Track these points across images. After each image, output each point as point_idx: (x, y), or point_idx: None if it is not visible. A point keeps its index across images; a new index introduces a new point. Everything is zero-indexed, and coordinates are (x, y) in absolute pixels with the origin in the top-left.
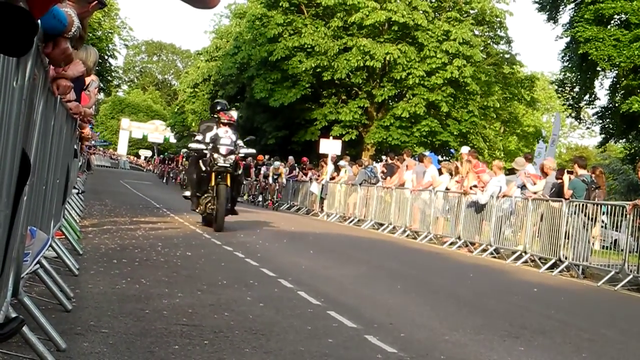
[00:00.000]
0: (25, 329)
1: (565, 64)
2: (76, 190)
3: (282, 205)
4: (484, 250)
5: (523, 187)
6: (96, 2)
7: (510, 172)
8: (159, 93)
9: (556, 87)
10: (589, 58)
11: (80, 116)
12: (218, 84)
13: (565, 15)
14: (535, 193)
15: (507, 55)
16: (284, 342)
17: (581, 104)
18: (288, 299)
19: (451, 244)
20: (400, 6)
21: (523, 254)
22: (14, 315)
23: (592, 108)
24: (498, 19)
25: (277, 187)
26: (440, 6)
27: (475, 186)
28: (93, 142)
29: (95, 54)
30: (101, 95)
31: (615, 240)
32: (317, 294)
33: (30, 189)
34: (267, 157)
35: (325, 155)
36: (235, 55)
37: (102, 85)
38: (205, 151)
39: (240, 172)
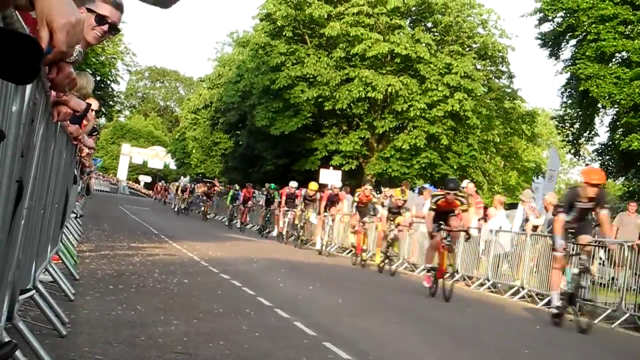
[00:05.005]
0: (18, 353)
1: (566, 100)
2: (74, 215)
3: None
4: (482, 285)
5: (526, 220)
6: (84, 9)
7: (511, 206)
8: (161, 119)
9: (556, 122)
10: (590, 95)
11: (79, 142)
12: (219, 111)
13: (566, 52)
14: (536, 227)
15: (508, 90)
16: None
17: (581, 141)
18: (284, 329)
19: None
20: (403, 39)
21: (520, 289)
22: (7, 339)
23: (592, 145)
24: (500, 54)
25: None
26: (443, 39)
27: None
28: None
29: (92, 82)
30: (102, 120)
31: (613, 277)
32: (313, 325)
33: (29, 213)
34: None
35: (325, 185)
36: (238, 83)
37: (103, 110)
38: None
39: None
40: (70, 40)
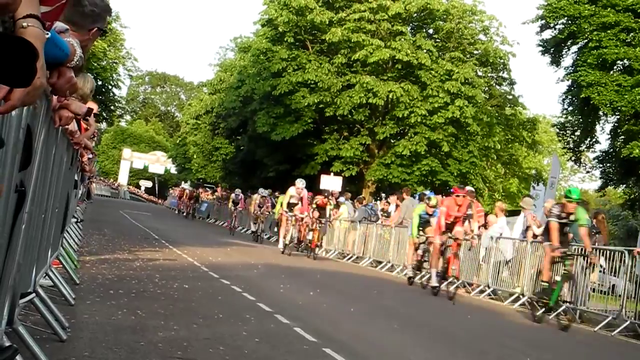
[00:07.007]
0: (19, 358)
1: (567, 107)
2: (75, 219)
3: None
4: (482, 292)
5: (527, 228)
6: (96, 29)
7: (511, 213)
8: (162, 124)
9: (557, 130)
10: (591, 102)
11: (80, 147)
12: (220, 116)
13: (568, 59)
14: (537, 235)
15: (509, 97)
16: None
17: (581, 148)
18: (284, 335)
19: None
20: (405, 45)
21: (521, 296)
22: (8, 344)
23: (593, 152)
24: (501, 61)
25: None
26: (445, 46)
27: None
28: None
29: (91, 82)
30: (104, 125)
31: (613, 285)
32: (313, 331)
33: (29, 217)
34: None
35: (325, 191)
36: (239, 89)
37: (104, 114)
38: None
39: None
40: (25, 101)
